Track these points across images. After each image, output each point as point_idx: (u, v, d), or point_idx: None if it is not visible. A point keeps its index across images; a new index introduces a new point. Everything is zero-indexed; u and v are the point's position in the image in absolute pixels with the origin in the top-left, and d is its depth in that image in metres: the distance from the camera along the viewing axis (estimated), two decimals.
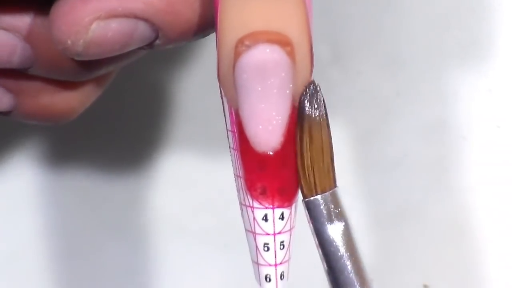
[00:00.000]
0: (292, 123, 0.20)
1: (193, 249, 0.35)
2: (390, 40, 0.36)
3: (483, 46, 0.36)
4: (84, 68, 0.23)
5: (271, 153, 0.20)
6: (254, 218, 0.21)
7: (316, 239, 0.21)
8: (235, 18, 0.19)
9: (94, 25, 0.20)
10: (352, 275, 0.20)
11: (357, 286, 0.21)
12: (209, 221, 0.36)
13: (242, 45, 0.19)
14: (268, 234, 0.21)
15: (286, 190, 0.20)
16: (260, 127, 0.20)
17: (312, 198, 0.20)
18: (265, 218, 0.20)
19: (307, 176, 0.20)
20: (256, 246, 0.21)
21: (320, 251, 0.21)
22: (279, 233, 0.21)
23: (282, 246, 0.21)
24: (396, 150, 0.36)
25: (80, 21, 0.20)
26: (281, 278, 0.21)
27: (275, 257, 0.21)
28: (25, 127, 0.35)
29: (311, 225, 0.21)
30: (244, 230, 0.24)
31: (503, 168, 0.35)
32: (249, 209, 0.21)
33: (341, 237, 0.20)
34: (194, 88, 0.36)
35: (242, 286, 0.35)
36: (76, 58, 0.21)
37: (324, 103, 0.20)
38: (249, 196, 0.20)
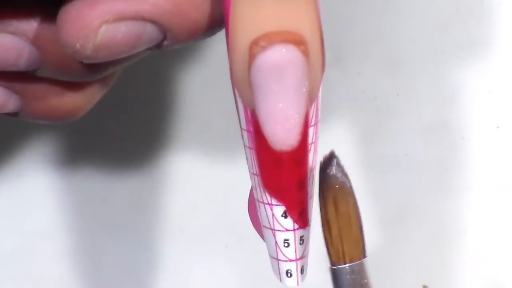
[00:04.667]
0: (307, 119, 0.20)
1: (193, 249, 0.35)
2: (390, 41, 0.36)
3: (482, 47, 0.36)
4: (91, 69, 0.23)
5: (288, 151, 0.20)
6: (273, 215, 0.21)
7: None
8: (247, 19, 0.19)
9: (103, 29, 0.20)
10: None
11: None
12: (209, 221, 0.36)
13: (257, 46, 0.19)
14: (288, 230, 0.21)
15: (303, 186, 0.21)
16: (278, 126, 0.20)
17: (339, 266, 0.20)
18: (285, 215, 0.21)
19: (335, 244, 0.20)
20: (276, 242, 0.21)
21: None
22: (298, 228, 0.21)
23: (301, 241, 0.21)
24: (396, 150, 0.36)
25: (89, 25, 0.20)
26: (301, 273, 0.21)
27: (296, 252, 0.21)
28: (27, 127, 0.35)
29: None
30: (243, 231, 0.24)
31: (502, 168, 0.36)
32: (267, 206, 0.21)
33: None
34: (196, 88, 0.36)
35: (243, 286, 0.35)
36: (85, 61, 0.21)
37: (346, 173, 0.20)
38: (267, 194, 0.20)
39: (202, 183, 0.36)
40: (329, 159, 0.20)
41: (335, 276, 0.20)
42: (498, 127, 0.36)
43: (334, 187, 0.20)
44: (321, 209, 0.20)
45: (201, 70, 0.36)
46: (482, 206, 0.35)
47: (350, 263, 0.20)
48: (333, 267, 0.20)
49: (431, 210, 0.35)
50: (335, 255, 0.20)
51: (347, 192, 0.20)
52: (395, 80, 0.36)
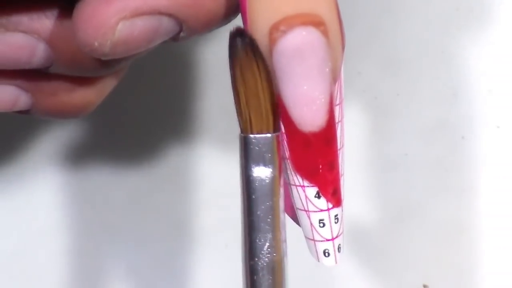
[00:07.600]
0: (332, 99, 0.20)
1: (193, 249, 0.35)
2: (390, 41, 0.36)
3: (482, 46, 0.36)
4: (104, 64, 0.23)
5: (316, 132, 0.20)
6: (306, 197, 0.21)
7: (241, 176, 0.21)
8: (265, 4, 0.19)
9: (120, 25, 0.20)
10: (262, 218, 0.20)
11: (268, 229, 0.21)
12: (209, 221, 0.36)
13: (277, 30, 0.19)
14: (322, 210, 0.21)
15: (334, 165, 0.21)
16: (305, 108, 0.20)
17: (245, 135, 0.20)
18: (318, 195, 0.21)
19: (243, 113, 0.20)
20: (311, 224, 0.21)
21: (241, 187, 0.21)
22: (332, 207, 0.21)
23: (336, 220, 0.21)
24: (396, 150, 0.36)
25: (106, 22, 0.20)
26: (338, 251, 0.22)
27: (331, 231, 0.21)
28: (27, 126, 0.35)
29: (241, 160, 0.21)
30: None
31: (502, 168, 0.36)
32: (299, 189, 0.21)
33: (264, 180, 0.20)
34: (197, 88, 0.36)
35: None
36: (103, 58, 0.21)
37: (257, 46, 0.20)
38: (298, 176, 0.21)
39: (203, 183, 0.36)
40: (235, 30, 0.20)
41: (242, 144, 0.20)
42: (498, 127, 0.36)
43: (240, 55, 0.20)
44: (232, 77, 0.20)
45: (203, 69, 0.36)
46: (482, 206, 0.35)
47: (256, 134, 0.20)
48: (240, 135, 0.20)
49: (431, 210, 0.35)
50: (243, 124, 0.20)
51: (254, 61, 0.20)
52: (395, 80, 0.36)
